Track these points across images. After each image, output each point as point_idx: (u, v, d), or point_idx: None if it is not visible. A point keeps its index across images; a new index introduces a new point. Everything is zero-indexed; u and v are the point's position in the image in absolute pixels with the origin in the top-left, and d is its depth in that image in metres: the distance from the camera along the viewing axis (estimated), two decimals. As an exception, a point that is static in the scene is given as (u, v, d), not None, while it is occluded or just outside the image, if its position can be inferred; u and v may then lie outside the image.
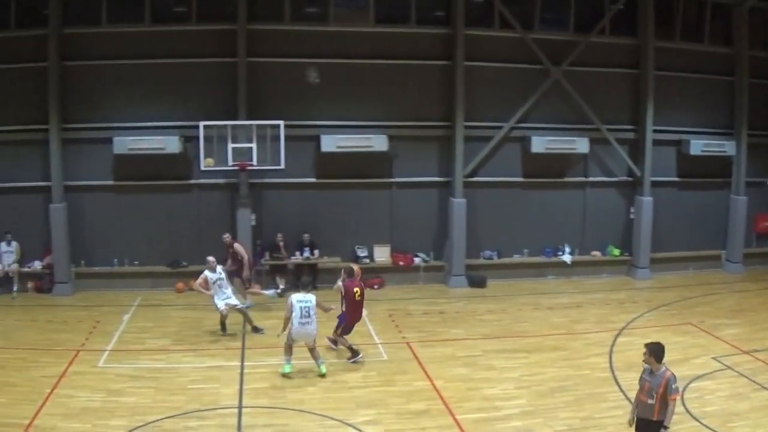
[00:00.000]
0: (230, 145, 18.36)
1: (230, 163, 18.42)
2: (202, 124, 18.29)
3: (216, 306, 15.82)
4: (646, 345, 9.26)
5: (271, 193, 19.56)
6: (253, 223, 19.13)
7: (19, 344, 15.34)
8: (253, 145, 18.41)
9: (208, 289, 15.80)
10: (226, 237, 17.80)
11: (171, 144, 18.59)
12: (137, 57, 18.84)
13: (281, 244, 19.26)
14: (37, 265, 19.29)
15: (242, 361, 14.22)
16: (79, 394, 12.58)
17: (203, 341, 15.54)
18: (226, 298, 15.95)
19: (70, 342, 15.46)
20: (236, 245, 17.58)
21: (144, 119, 18.93)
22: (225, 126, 18.40)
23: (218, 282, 15.86)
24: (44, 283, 19.19)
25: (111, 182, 19.21)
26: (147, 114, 18.98)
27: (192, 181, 19.34)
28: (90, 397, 12.44)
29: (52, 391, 12.72)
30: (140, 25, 18.86)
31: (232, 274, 17.32)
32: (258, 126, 18.47)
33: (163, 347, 15.11)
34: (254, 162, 18.45)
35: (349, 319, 14.53)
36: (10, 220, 18.86)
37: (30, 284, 19.21)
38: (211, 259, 16.03)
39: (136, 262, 19.34)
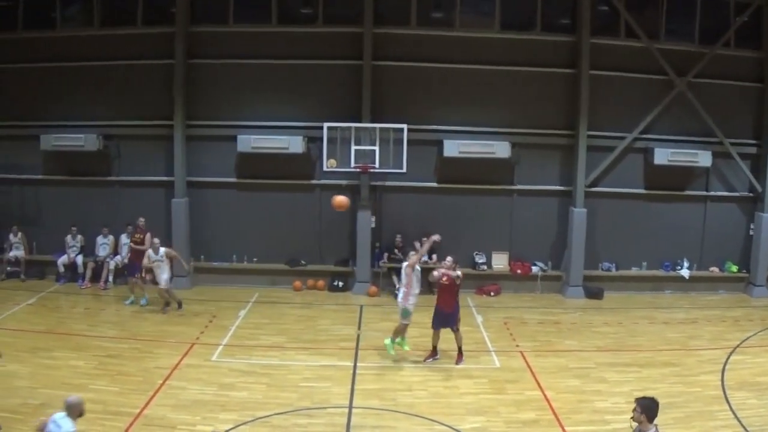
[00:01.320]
0: (353, 147, 18.49)
1: (353, 164, 18.53)
2: (326, 125, 18.47)
3: (160, 280, 17.12)
4: (637, 400, 8.18)
5: (392, 196, 19.57)
6: (373, 225, 19.17)
7: (135, 334, 15.70)
8: (376, 148, 18.51)
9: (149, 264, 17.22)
10: (141, 221, 18.23)
11: (295, 144, 18.75)
12: (263, 57, 19.14)
13: (400, 246, 19.20)
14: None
15: (355, 362, 14.26)
16: (191, 387, 12.80)
17: (317, 340, 15.65)
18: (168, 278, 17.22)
19: (185, 335, 15.69)
20: (149, 234, 17.84)
21: (268, 118, 19.19)
22: (349, 128, 18.52)
23: (156, 263, 17.07)
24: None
25: (233, 179, 19.50)
26: (271, 113, 19.23)
27: (314, 182, 19.49)
28: (202, 390, 12.65)
29: (164, 382, 12.98)
30: (267, 25, 19.14)
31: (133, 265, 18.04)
32: (381, 129, 18.56)
33: (278, 344, 15.23)
34: (376, 165, 18.53)
35: None
36: (133, 212, 19.10)
37: (148, 276, 19.32)
38: (156, 240, 17.22)
39: (255, 259, 19.56)
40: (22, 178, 19.68)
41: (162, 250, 17.11)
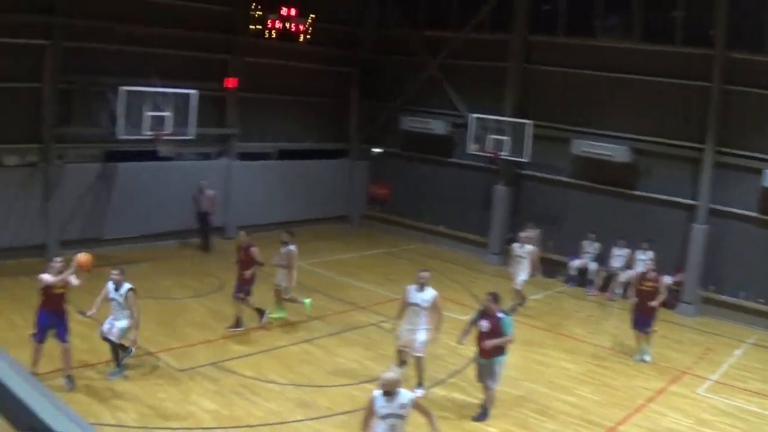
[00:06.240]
0: None
1: None
2: None
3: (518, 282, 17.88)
4: None
5: None
6: None
7: (632, 350, 16.05)
8: None
9: None
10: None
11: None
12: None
13: None
14: (668, 279, 20.16)
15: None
16: (669, 414, 13.11)
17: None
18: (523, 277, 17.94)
19: (678, 361, 16.09)
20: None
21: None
22: None
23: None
24: (669, 299, 19.98)
25: (755, 214, 19.15)
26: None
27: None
28: (678, 421, 12.89)
29: (645, 403, 13.48)
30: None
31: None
32: None
33: (762, 391, 14.84)
34: None
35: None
36: (652, 229, 20.09)
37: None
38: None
39: (761, 300, 19.14)
40: (549, 177, 21.83)
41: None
